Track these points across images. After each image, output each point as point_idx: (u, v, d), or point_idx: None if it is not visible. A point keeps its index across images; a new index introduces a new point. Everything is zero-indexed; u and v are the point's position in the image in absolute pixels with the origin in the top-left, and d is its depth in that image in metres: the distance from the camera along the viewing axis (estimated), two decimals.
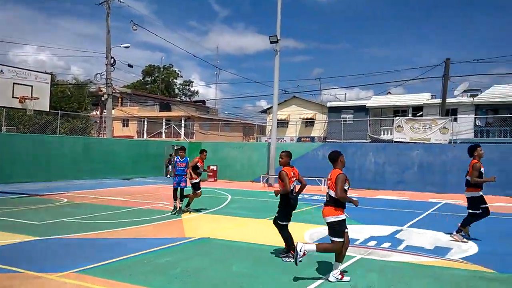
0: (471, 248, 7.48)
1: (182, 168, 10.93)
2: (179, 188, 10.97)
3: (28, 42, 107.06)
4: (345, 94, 45.41)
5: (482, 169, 7.92)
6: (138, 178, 23.75)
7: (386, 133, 32.12)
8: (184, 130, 40.78)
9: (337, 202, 5.33)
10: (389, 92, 37.04)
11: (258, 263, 6.26)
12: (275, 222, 6.73)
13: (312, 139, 36.73)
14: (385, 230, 9.13)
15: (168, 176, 26.00)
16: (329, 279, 5.39)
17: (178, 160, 11.05)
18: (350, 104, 37.42)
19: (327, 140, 32.57)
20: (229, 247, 7.31)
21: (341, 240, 5.35)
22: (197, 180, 11.01)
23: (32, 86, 14.20)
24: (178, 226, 9.29)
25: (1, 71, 13.63)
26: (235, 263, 6.22)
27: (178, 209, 10.93)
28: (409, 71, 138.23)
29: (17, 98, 13.78)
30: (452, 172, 18.55)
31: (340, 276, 5.38)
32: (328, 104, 37.94)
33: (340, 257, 5.45)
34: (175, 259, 6.35)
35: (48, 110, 15.32)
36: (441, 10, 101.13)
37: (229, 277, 5.53)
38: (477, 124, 30.07)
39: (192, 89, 68.68)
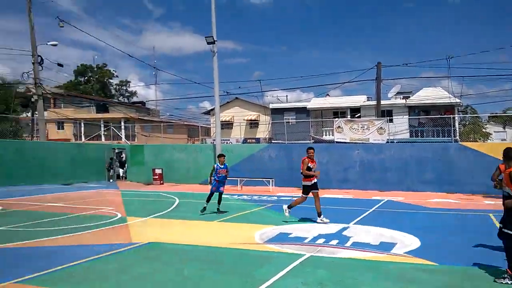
0: (414, 242, 7.89)
1: (223, 175, 11.51)
2: (218, 192, 11.62)
3: None
4: (287, 96, 46.04)
5: None
6: (79, 183, 22.62)
7: (327, 133, 33.09)
8: (125, 133, 39.44)
9: None
10: (328, 95, 38.20)
11: (208, 266, 6.17)
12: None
13: (258, 140, 37.03)
14: (332, 228, 9.38)
15: (111, 180, 25.03)
16: None
17: (218, 167, 11.50)
18: (291, 106, 38.13)
19: (273, 141, 32.97)
20: (178, 251, 7.16)
21: None
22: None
23: None
24: (124, 231, 8.95)
25: None
26: (186, 266, 6.09)
27: (204, 209, 11.42)
28: (346, 74, 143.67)
29: None
30: (391, 170, 19.50)
31: None
32: (271, 106, 38.41)
33: None
34: (122, 265, 6.11)
35: None
36: (372, 16, 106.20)
37: (180, 281, 5.41)
38: (411, 124, 31.87)
39: (130, 89, 66.67)
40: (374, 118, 25.43)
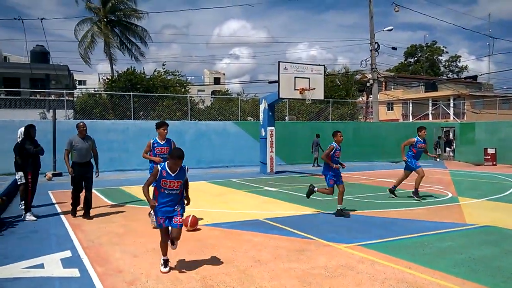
0: None
1: None
2: None
3: (300, 40, 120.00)
4: None
5: None
6: None
7: None
8: (454, 110, 37.54)
9: None
10: None
11: None
12: None
13: None
14: None
15: (438, 159, 24.61)
16: None
17: None
18: None
19: None
20: None
21: None
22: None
23: (309, 78, 15.97)
24: (457, 211, 8.77)
25: (285, 68, 15.87)
26: None
27: None
28: None
29: (298, 90, 15.78)
30: None
31: None
32: None
33: None
34: (457, 245, 6.07)
35: (322, 98, 16.91)
36: None
37: None
38: None
39: (459, 64, 62.45)
40: None
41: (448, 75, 60.30)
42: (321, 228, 7.23)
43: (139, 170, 16.06)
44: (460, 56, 63.94)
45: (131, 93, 20.46)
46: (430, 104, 38.80)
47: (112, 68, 31.99)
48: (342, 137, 8.42)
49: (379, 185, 13.35)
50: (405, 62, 62.58)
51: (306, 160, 21.15)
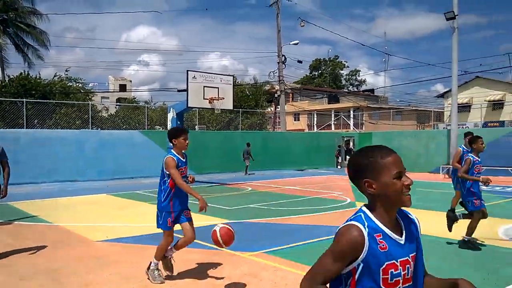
0: None
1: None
2: None
3: (211, 50, 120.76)
4: None
5: None
6: (311, 169, 24.61)
7: None
8: (353, 121, 40.39)
9: None
10: None
11: (450, 257, 5.90)
12: None
13: (502, 123, 32.14)
14: None
15: (339, 167, 26.19)
16: None
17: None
18: None
19: None
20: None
21: None
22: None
23: (218, 87, 16.04)
24: None
25: (194, 77, 15.76)
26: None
27: None
28: None
29: (207, 99, 15.74)
30: None
31: None
32: None
33: None
34: None
35: (231, 108, 17.07)
36: None
37: None
38: None
39: (359, 78, 67.46)
40: None
41: (349, 88, 64.69)
42: None
43: (33, 184, 14.74)
44: (359, 71, 69.00)
45: (24, 99, 18.74)
46: (333, 115, 41.28)
47: (3, 72, 29.09)
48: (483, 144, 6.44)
49: (285, 192, 13.77)
50: (310, 75, 65.93)
51: (216, 169, 21.15)
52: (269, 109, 38.40)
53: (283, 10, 74.17)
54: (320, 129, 40.55)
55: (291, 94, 46.06)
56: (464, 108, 35.16)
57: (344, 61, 66.47)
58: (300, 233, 7.54)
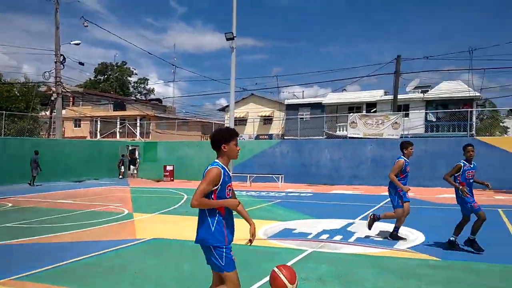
0: (419, 238, 7.74)
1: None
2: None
3: None
4: (303, 91, 46.03)
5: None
6: (90, 180, 22.95)
7: (341, 129, 32.79)
8: (140, 130, 39.86)
9: None
10: (345, 90, 37.85)
11: None
12: None
13: (270, 136, 36.96)
14: (337, 223, 9.28)
15: (121, 177, 25.23)
16: None
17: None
18: (306, 102, 37.96)
19: (285, 137, 32.85)
20: (181, 247, 7.16)
21: None
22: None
23: None
24: (129, 227, 9.01)
25: None
26: (187, 262, 6.09)
27: None
28: (364, 68, 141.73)
29: None
30: None
31: None
32: (286, 102, 38.32)
33: None
34: (125, 261, 6.14)
35: None
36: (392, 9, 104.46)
37: (179, 277, 5.41)
38: (428, 119, 31.26)
39: (147, 87, 67.26)
40: (390, 112, 25.08)
41: (137, 96, 63.64)
42: None
43: None
44: (148, 79, 68.77)
45: None
46: (118, 122, 39.79)
47: None
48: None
49: (56, 207, 12.33)
50: (95, 79, 62.20)
51: None
52: (44, 113, 34.30)
53: (65, 7, 67.85)
54: (103, 137, 38.46)
55: (72, 98, 42.34)
56: (241, 121, 39.03)
57: (133, 68, 65.39)
58: (66, 251, 6.74)
